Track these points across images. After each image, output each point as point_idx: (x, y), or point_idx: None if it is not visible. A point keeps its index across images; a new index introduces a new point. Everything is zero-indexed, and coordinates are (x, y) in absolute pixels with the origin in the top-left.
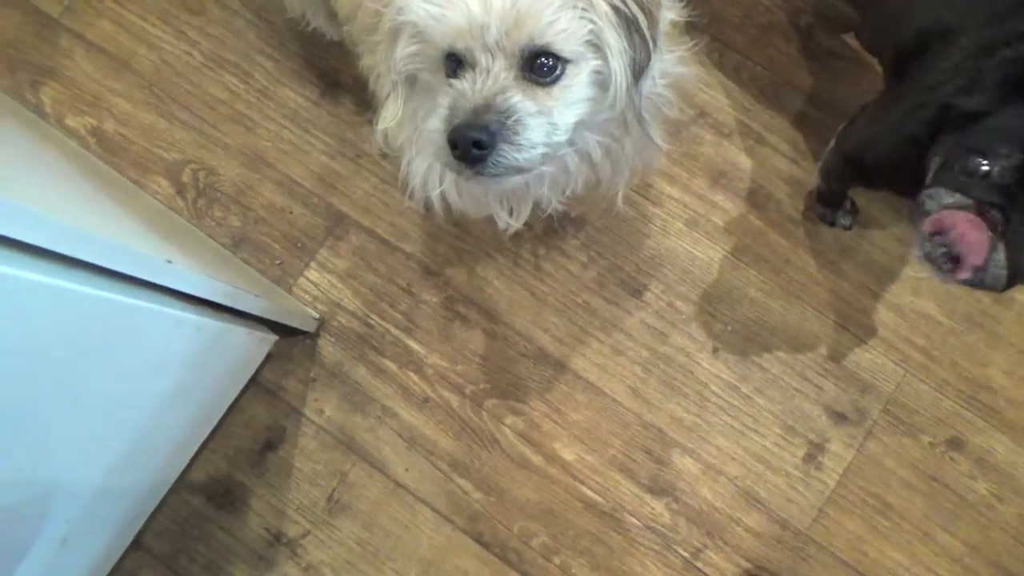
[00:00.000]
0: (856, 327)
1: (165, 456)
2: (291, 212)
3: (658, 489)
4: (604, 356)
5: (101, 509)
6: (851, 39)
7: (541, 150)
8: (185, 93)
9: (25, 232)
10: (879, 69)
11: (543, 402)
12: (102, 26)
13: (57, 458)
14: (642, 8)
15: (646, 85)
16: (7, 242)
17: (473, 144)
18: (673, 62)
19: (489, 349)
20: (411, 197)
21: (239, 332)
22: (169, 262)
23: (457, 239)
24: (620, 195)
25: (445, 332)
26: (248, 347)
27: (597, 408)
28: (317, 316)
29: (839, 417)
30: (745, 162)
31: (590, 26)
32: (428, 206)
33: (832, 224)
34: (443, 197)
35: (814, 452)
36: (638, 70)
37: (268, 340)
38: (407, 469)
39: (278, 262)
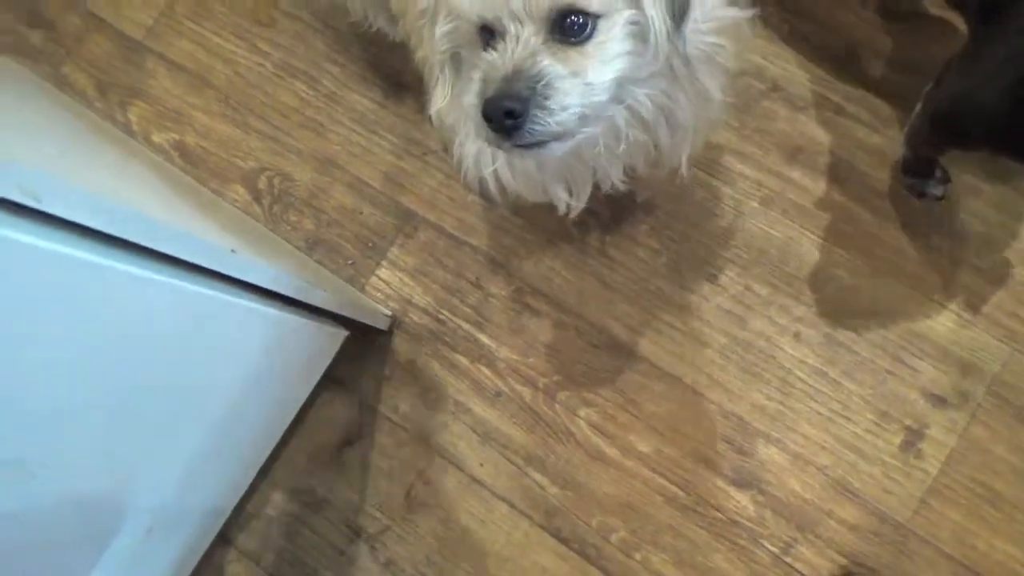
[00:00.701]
0: (954, 303)
1: (245, 448)
2: (361, 212)
3: (742, 481)
4: (679, 344)
5: (184, 500)
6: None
7: (577, 111)
8: (259, 103)
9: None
10: (964, 26)
11: (617, 393)
12: (181, 45)
13: (137, 445)
14: None
15: (690, 31)
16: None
17: (506, 114)
18: (718, 3)
19: (560, 340)
20: (465, 179)
21: (310, 326)
22: (233, 251)
23: (523, 230)
24: (684, 162)
25: (515, 325)
26: (320, 341)
27: (674, 398)
28: (389, 314)
29: (938, 401)
30: (823, 135)
31: None
32: (484, 191)
33: (922, 195)
34: (496, 177)
35: (912, 439)
36: (678, 14)
37: (339, 335)
38: (482, 464)
39: (350, 262)
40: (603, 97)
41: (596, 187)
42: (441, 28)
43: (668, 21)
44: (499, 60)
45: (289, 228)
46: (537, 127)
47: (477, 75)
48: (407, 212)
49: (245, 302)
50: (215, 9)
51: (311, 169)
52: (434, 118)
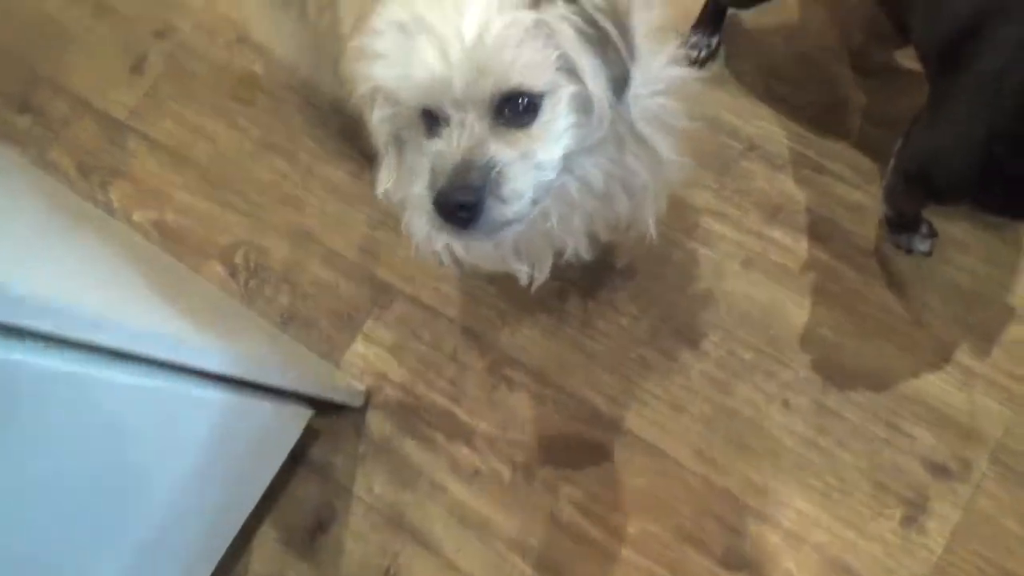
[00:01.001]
0: (948, 363)
1: (202, 537)
2: (337, 286)
3: (734, 562)
4: (663, 414)
5: None
6: (907, 52)
7: (530, 196)
8: (238, 179)
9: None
10: None
11: (600, 468)
12: (164, 125)
13: (71, 544)
14: (611, 20)
15: (632, 96)
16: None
17: (459, 207)
18: (662, 66)
19: (539, 414)
20: (418, 252)
21: (268, 408)
22: (180, 340)
23: (500, 299)
24: (651, 224)
25: (493, 398)
26: (282, 422)
27: (659, 472)
28: (364, 389)
29: (939, 470)
30: (803, 193)
31: (557, 52)
32: (442, 262)
33: (909, 251)
34: (449, 251)
35: (914, 513)
36: (618, 84)
37: (303, 415)
38: (459, 550)
39: (326, 337)
40: (553, 175)
41: (560, 255)
42: (379, 113)
43: (609, 92)
44: (447, 149)
45: (265, 304)
46: (492, 216)
47: (424, 163)
48: (382, 284)
49: (194, 389)
50: (197, 89)
51: (287, 243)
52: (382, 197)
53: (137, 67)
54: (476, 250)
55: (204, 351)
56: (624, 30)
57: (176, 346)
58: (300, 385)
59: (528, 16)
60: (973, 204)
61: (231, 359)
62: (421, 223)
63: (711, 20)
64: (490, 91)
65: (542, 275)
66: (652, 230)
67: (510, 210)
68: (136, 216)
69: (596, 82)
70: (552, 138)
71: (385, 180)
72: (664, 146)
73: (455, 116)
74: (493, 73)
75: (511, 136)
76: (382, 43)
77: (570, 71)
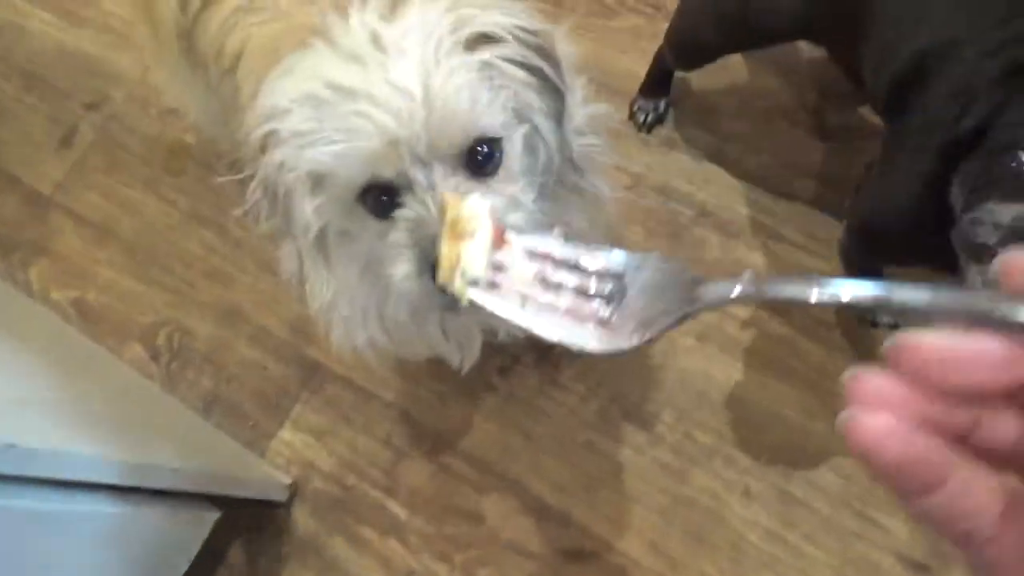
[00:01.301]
0: None
1: None
2: (265, 368)
3: None
4: (614, 505)
5: None
6: (866, 112)
7: None
8: (164, 254)
9: None
10: None
11: (546, 566)
12: (90, 199)
13: None
14: (542, 54)
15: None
16: None
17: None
18: (578, 102)
19: (480, 506)
20: (338, 353)
21: (157, 514)
22: (12, 446)
23: (438, 380)
24: None
25: (429, 489)
26: (179, 528)
27: (611, 570)
28: (289, 482)
29: (918, 568)
30: (760, 261)
31: (504, 91)
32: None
33: (874, 324)
34: (371, 345)
35: None
36: (558, 118)
37: (208, 518)
38: None
39: (251, 423)
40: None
41: (492, 334)
42: (312, 204)
43: (554, 127)
44: (427, 215)
45: (186, 387)
46: None
47: (400, 240)
48: (313, 364)
49: (61, 504)
50: (127, 160)
51: (213, 321)
52: (319, 314)
53: (66, 140)
54: (399, 337)
55: (76, 459)
56: (555, 62)
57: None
58: (211, 484)
59: (473, 59)
60: (925, 264)
61: (110, 466)
62: (340, 319)
63: (657, 83)
64: (459, 140)
65: (472, 355)
66: None
67: None
68: (55, 295)
69: (543, 117)
70: (519, 182)
71: (323, 293)
72: (601, 183)
73: (421, 179)
74: (459, 120)
75: (485, 188)
76: (298, 122)
77: (518, 111)
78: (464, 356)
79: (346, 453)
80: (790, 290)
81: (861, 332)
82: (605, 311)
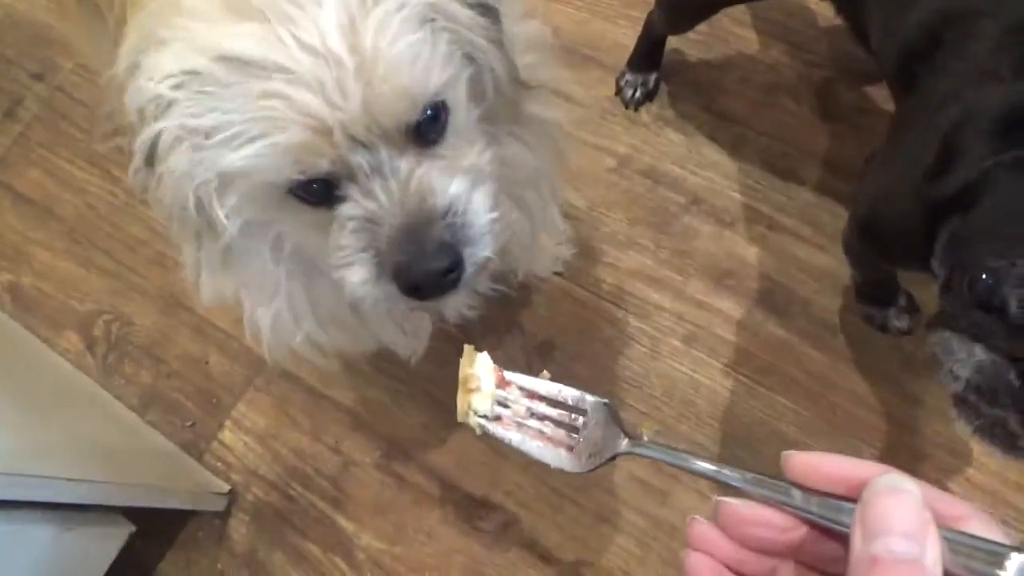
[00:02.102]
0: (936, 470)
1: None
2: (207, 362)
3: None
4: (585, 527)
5: None
6: (880, 89)
7: (495, 218)
8: (106, 236)
9: None
10: None
11: None
12: (31, 175)
13: None
14: None
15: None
16: None
17: (441, 274)
18: (515, 20)
19: (435, 522)
20: (270, 356)
21: (56, 530)
22: None
23: (394, 379)
24: (560, 222)
25: (380, 501)
26: (84, 545)
27: None
28: (227, 491)
29: None
30: (756, 255)
31: (446, 35)
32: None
33: (884, 329)
34: (309, 342)
35: None
36: (498, 41)
37: (118, 534)
38: None
39: (189, 423)
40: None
41: (440, 318)
42: (223, 207)
43: (498, 54)
44: (379, 209)
45: (124, 382)
46: (474, 264)
47: (348, 240)
48: (258, 360)
49: None
50: (72, 135)
51: (155, 310)
52: (210, 302)
53: (11, 111)
54: (338, 331)
55: None
56: None
57: None
58: (119, 496)
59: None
60: (924, 271)
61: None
62: (266, 316)
63: (647, 54)
64: (407, 112)
65: (421, 343)
66: (562, 227)
67: (487, 249)
68: None
69: (493, 49)
70: (472, 139)
71: (211, 283)
72: (545, 107)
73: (363, 163)
74: (404, 87)
75: (439, 159)
76: (189, 115)
77: (465, 56)
78: (414, 346)
79: (291, 458)
80: (671, 458)
81: (868, 338)
82: (573, 440)
